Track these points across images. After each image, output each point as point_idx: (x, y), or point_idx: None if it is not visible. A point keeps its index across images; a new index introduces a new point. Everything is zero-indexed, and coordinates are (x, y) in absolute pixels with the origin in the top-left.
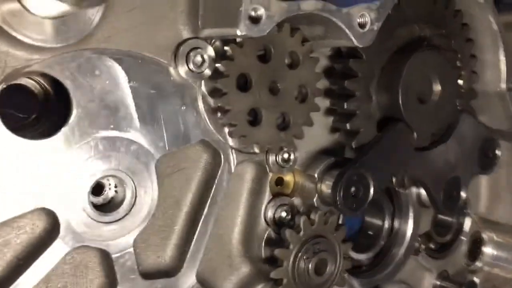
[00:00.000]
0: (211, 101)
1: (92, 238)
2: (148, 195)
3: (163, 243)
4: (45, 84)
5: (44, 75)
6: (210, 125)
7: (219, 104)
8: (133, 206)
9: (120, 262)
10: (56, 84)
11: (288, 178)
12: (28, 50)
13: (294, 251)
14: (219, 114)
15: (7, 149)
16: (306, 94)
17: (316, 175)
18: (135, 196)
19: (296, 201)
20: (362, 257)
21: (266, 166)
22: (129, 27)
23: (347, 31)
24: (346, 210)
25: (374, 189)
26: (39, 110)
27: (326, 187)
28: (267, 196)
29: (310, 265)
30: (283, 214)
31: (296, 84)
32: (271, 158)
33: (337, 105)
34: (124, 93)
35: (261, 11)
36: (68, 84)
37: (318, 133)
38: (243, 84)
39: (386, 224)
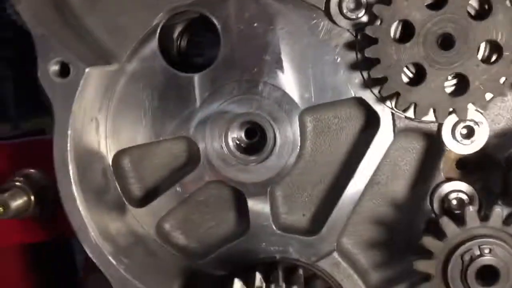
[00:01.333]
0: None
1: (229, 176)
2: (289, 144)
3: (310, 202)
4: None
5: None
6: (367, 82)
7: (368, 55)
8: (271, 152)
9: (253, 205)
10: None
11: (473, 160)
12: None
13: (448, 247)
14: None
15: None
16: (498, 54)
17: (503, 162)
18: (274, 143)
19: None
20: None
21: (440, 139)
22: None
23: None
24: None
25: None
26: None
27: None
28: (438, 176)
29: (469, 270)
30: (454, 202)
31: (480, 40)
32: (446, 129)
33: None
34: (272, 38)
35: None
36: (218, 24)
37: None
38: (407, 34)
39: None
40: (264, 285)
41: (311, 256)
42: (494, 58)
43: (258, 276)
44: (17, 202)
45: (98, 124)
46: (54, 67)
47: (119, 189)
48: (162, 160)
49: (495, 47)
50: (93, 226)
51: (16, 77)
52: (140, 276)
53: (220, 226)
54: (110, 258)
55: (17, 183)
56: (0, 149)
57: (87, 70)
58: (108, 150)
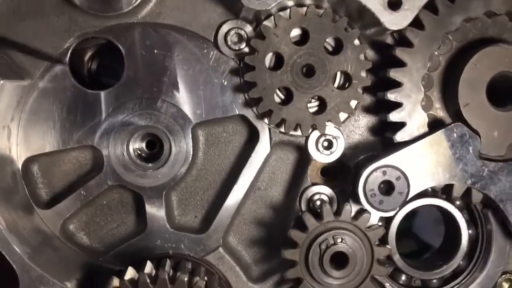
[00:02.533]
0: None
1: (129, 180)
2: (182, 154)
3: (201, 205)
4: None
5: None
6: (248, 101)
7: (247, 79)
8: (167, 160)
9: (150, 207)
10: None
11: (333, 168)
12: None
13: (310, 237)
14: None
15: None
16: (348, 81)
17: (353, 168)
18: (169, 152)
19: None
20: None
21: (307, 150)
22: (178, 6)
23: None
24: (372, 207)
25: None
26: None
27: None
28: (305, 182)
29: (325, 256)
30: (317, 202)
31: (335, 70)
32: (311, 142)
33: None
34: (170, 63)
35: None
36: (123, 49)
37: (362, 124)
38: (278, 64)
39: None
40: (154, 272)
41: (200, 251)
42: (346, 85)
43: (149, 264)
44: None
45: (10, 132)
46: None
47: (27, 191)
48: (68, 166)
49: (347, 76)
50: (1, 220)
51: None
52: (43, 265)
53: (121, 227)
54: (15, 247)
55: None
56: None
57: (1, 82)
58: (18, 156)
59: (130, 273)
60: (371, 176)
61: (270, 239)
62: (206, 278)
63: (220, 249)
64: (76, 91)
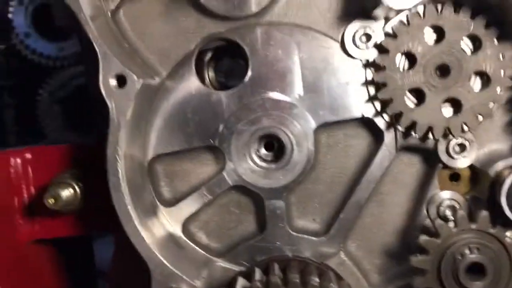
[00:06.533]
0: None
1: (250, 181)
2: (304, 155)
3: (320, 208)
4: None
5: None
6: (374, 103)
7: (378, 80)
8: (288, 162)
9: (270, 208)
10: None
11: (464, 173)
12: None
13: (442, 245)
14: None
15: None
16: (488, 82)
17: (491, 176)
18: (291, 154)
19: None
20: None
21: (436, 154)
22: (304, 5)
23: None
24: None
25: None
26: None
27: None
28: (433, 188)
29: (460, 266)
30: (447, 209)
31: (472, 70)
32: (441, 146)
33: None
34: (293, 63)
35: None
36: (247, 49)
37: (500, 129)
38: (411, 63)
39: None
40: (281, 275)
41: (319, 256)
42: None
43: (257, 271)
44: (66, 194)
45: (140, 131)
46: (113, 80)
47: (152, 189)
48: (190, 166)
49: (485, 77)
50: (136, 217)
51: (17, 105)
52: (173, 263)
53: (239, 227)
54: (148, 243)
55: (66, 179)
56: (49, 152)
57: (140, 81)
58: (145, 156)
59: (257, 274)
60: None
61: (392, 245)
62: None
63: (341, 254)
64: (200, 91)
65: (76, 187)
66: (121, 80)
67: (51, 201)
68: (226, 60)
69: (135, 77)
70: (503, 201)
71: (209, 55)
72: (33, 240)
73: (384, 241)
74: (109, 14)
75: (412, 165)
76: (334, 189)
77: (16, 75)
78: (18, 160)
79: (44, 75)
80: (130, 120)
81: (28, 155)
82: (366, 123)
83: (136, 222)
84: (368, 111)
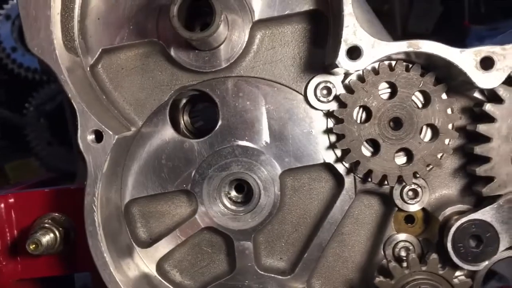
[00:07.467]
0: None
1: (221, 223)
2: (270, 199)
3: (286, 247)
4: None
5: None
6: (334, 150)
7: (336, 132)
8: (256, 206)
9: (240, 249)
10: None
11: (418, 215)
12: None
13: (397, 286)
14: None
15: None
16: (436, 134)
17: (440, 219)
18: (259, 198)
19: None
20: None
21: (392, 199)
22: (270, 61)
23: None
24: (461, 261)
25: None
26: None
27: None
28: (390, 230)
29: None
30: (402, 250)
31: (422, 123)
32: (396, 191)
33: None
34: (261, 113)
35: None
36: (218, 100)
37: (449, 176)
38: (367, 116)
39: None
40: None
41: None
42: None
43: None
44: (46, 239)
45: (117, 176)
46: (91, 135)
47: (128, 232)
48: (165, 208)
49: (434, 129)
50: (111, 262)
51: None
52: None
53: (211, 266)
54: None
55: (46, 225)
56: (31, 197)
57: (116, 137)
58: (121, 199)
59: None
60: (460, 229)
61: (354, 282)
62: None
63: None
64: (174, 139)
65: (57, 232)
66: (98, 136)
67: (32, 247)
68: (200, 104)
69: (111, 133)
70: (449, 246)
71: (183, 102)
72: (17, 279)
73: (347, 278)
74: (88, 68)
75: (371, 207)
76: (300, 229)
77: (3, 89)
78: (2, 205)
79: (30, 89)
80: (106, 171)
81: (11, 200)
82: (328, 167)
83: (112, 268)
84: (330, 157)
